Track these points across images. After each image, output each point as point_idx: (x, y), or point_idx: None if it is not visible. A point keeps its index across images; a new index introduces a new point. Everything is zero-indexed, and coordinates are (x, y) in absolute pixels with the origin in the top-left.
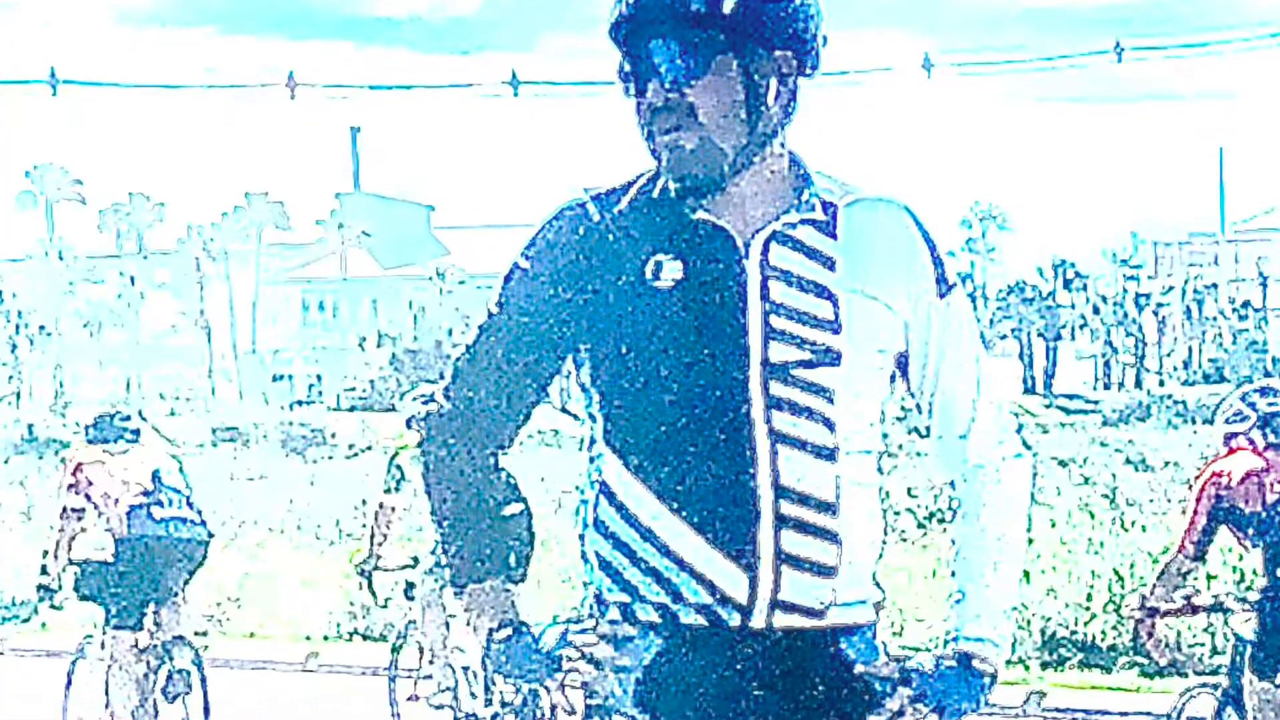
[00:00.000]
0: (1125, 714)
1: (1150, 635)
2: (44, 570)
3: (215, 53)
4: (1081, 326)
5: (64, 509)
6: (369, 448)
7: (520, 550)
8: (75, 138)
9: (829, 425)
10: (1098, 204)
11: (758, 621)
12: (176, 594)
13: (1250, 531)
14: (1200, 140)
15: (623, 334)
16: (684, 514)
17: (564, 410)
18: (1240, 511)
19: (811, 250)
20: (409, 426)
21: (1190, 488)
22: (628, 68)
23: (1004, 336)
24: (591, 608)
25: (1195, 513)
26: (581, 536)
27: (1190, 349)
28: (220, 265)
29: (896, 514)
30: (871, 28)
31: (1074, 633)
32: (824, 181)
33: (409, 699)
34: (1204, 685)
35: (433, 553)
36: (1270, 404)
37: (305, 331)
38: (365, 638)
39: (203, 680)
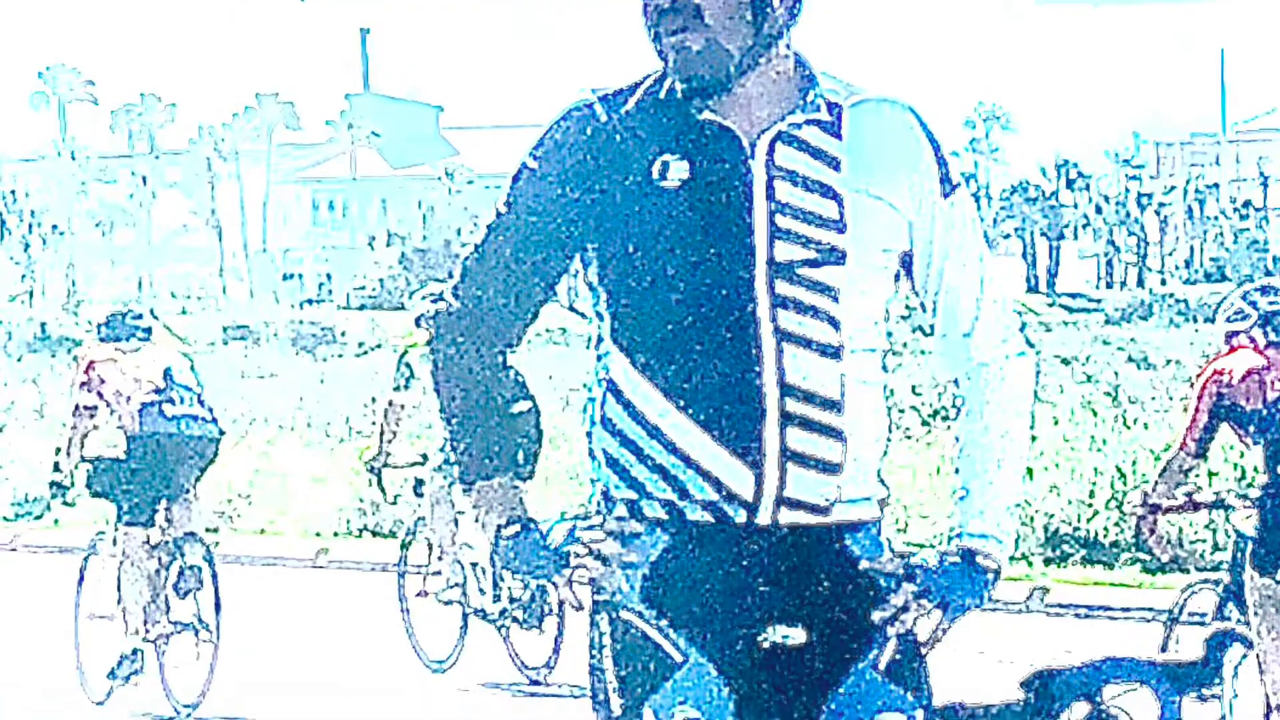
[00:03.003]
0: (1127, 609)
1: (1152, 532)
2: (56, 467)
3: None
4: (1084, 226)
5: (76, 406)
6: (378, 346)
7: (528, 447)
8: (87, 38)
9: (834, 323)
10: (1100, 104)
11: (763, 518)
12: (188, 491)
13: (1251, 429)
14: (1202, 41)
15: (630, 233)
16: (690, 411)
17: (571, 309)
18: (1241, 409)
19: (817, 150)
20: (418, 325)
21: (1192, 385)
22: None
23: (1007, 236)
24: (599, 504)
25: (1197, 410)
26: (589, 434)
27: (1192, 248)
28: (231, 165)
29: (901, 411)
30: None
31: (1076, 529)
32: (829, 82)
33: (418, 595)
34: (1205, 581)
35: (441, 450)
36: (1271, 302)
37: (315, 231)
38: (374, 534)
39: (214, 576)
